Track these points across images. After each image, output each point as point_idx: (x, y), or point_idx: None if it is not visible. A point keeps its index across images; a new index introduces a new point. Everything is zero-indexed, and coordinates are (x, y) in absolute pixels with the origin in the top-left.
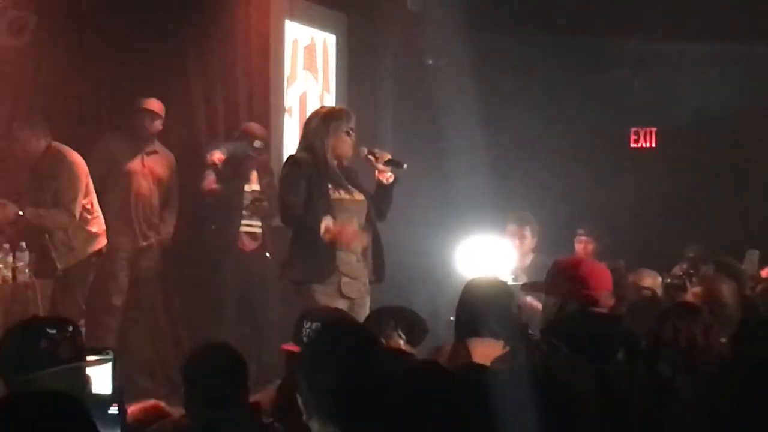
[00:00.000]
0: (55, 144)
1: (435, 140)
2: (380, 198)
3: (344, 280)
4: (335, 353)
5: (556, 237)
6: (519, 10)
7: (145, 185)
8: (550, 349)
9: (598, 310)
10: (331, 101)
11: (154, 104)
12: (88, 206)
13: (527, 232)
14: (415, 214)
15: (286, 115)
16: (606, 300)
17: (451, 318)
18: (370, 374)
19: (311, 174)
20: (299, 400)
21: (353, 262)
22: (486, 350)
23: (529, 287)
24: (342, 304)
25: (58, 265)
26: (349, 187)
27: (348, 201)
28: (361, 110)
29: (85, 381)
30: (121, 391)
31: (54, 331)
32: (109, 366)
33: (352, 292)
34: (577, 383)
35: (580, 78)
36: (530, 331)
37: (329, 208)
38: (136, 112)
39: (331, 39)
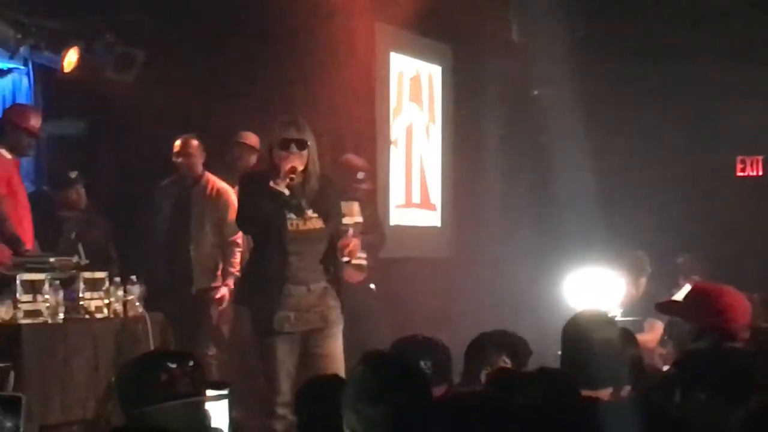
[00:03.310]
0: (206, 172)
1: (541, 170)
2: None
3: (281, 314)
4: (382, 386)
5: (665, 266)
6: (624, 40)
7: None
8: (683, 387)
9: (733, 345)
10: (437, 133)
11: (252, 138)
12: None
13: (643, 280)
14: (521, 245)
15: (392, 146)
16: (743, 334)
17: (558, 353)
18: (416, 406)
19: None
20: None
21: (300, 294)
22: None
23: (665, 308)
24: (282, 340)
25: (193, 289)
26: (307, 211)
27: (303, 231)
28: (467, 141)
29: (204, 416)
30: (238, 427)
31: (174, 365)
32: (225, 400)
33: (297, 326)
34: (712, 425)
35: (686, 107)
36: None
37: (285, 237)
38: (234, 146)
39: (436, 70)
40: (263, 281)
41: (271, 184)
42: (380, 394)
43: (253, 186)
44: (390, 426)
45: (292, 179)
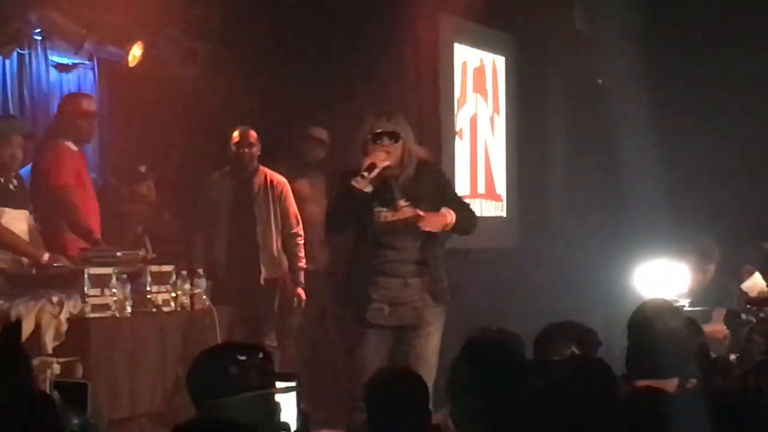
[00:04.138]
0: (262, 167)
1: (607, 160)
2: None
3: (375, 306)
4: (478, 376)
5: (734, 254)
6: (690, 27)
7: (314, 209)
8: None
9: None
10: (501, 123)
11: (320, 133)
12: None
13: (711, 267)
14: (587, 234)
15: (457, 137)
16: None
17: (625, 344)
18: (514, 394)
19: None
20: (450, 422)
21: (396, 287)
22: None
23: (757, 301)
24: (374, 333)
25: (261, 279)
26: (399, 202)
27: (392, 222)
28: (532, 131)
29: (274, 408)
30: (306, 418)
31: (244, 358)
32: (294, 393)
33: (389, 320)
34: None
35: (757, 95)
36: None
37: (375, 229)
38: (302, 139)
39: (500, 60)
40: (359, 274)
41: (352, 182)
42: (474, 385)
43: (339, 185)
44: (487, 416)
45: (363, 176)
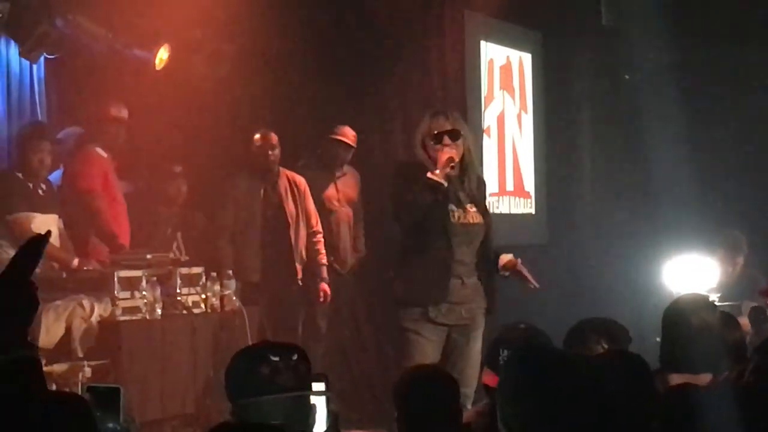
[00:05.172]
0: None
1: (635, 156)
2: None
3: (435, 303)
4: (537, 381)
5: (763, 251)
6: (718, 22)
7: (342, 210)
8: None
9: None
10: (528, 120)
11: (348, 135)
12: None
13: (740, 259)
14: (617, 230)
15: (485, 135)
16: None
17: (657, 339)
18: (573, 401)
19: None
20: (501, 429)
21: (456, 286)
22: None
23: None
24: (431, 331)
25: (299, 281)
26: (467, 204)
27: (464, 224)
28: (559, 127)
29: (308, 410)
30: (336, 419)
31: (276, 358)
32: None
33: (448, 318)
34: None
35: None
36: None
37: (449, 229)
38: (329, 142)
39: (526, 58)
40: (423, 271)
41: (429, 175)
42: (531, 390)
43: (411, 177)
44: (544, 423)
45: (452, 168)
